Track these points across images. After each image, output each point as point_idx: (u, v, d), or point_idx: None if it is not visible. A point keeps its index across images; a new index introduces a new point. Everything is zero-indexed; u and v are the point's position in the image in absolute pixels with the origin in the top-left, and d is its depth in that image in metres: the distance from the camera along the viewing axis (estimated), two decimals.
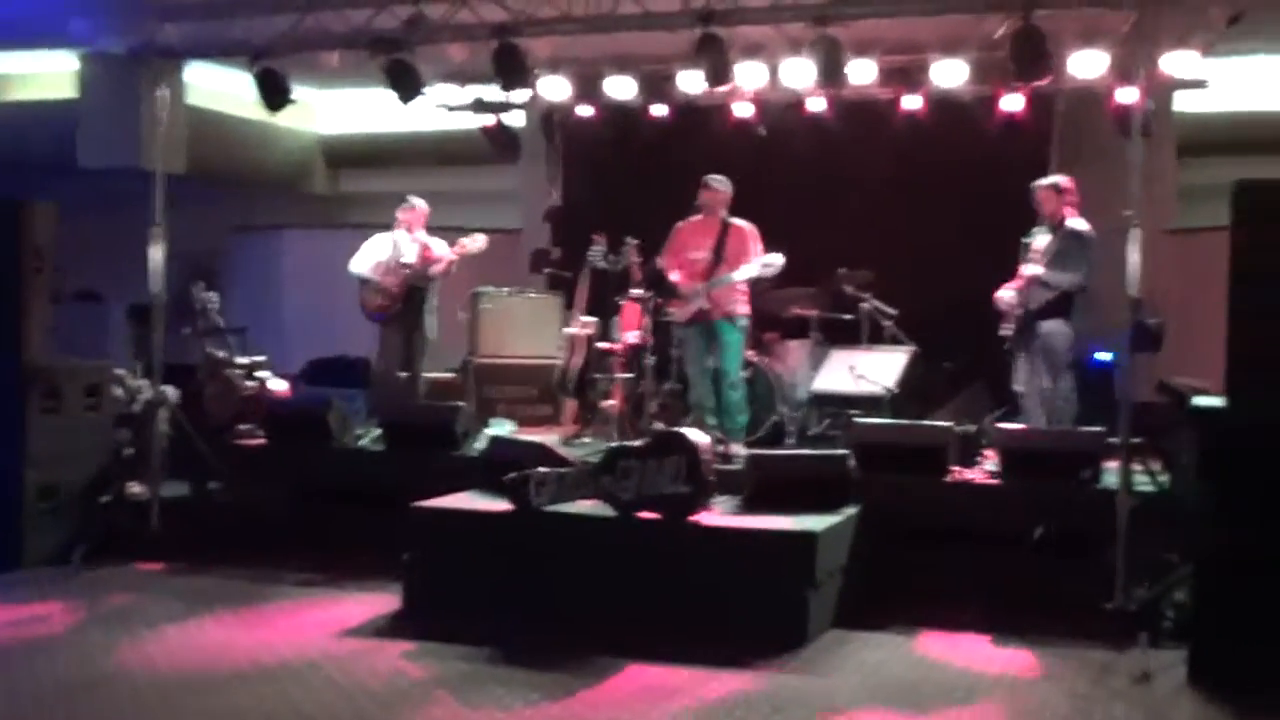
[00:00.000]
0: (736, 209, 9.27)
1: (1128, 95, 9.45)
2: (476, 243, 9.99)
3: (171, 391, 9.34)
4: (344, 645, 6.52)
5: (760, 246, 8.98)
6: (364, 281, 10.04)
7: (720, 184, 9.14)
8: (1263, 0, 8.69)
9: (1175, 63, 9.48)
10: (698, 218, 9.22)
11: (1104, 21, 9.01)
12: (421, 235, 10.18)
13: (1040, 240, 8.55)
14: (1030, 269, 8.44)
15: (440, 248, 10.12)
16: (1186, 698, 5.81)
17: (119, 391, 9.30)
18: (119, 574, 8.13)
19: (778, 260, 8.86)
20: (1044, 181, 8.68)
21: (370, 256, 10.09)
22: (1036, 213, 8.63)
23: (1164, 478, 7.39)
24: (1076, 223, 8.55)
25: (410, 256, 10.04)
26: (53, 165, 12.62)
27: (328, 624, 6.90)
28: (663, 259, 9.29)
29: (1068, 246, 8.46)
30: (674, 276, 9.20)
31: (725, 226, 9.10)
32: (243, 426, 9.62)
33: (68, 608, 7.25)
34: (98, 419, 8.93)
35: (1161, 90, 10.44)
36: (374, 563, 7.72)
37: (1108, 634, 6.54)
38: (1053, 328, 8.44)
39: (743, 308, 9.14)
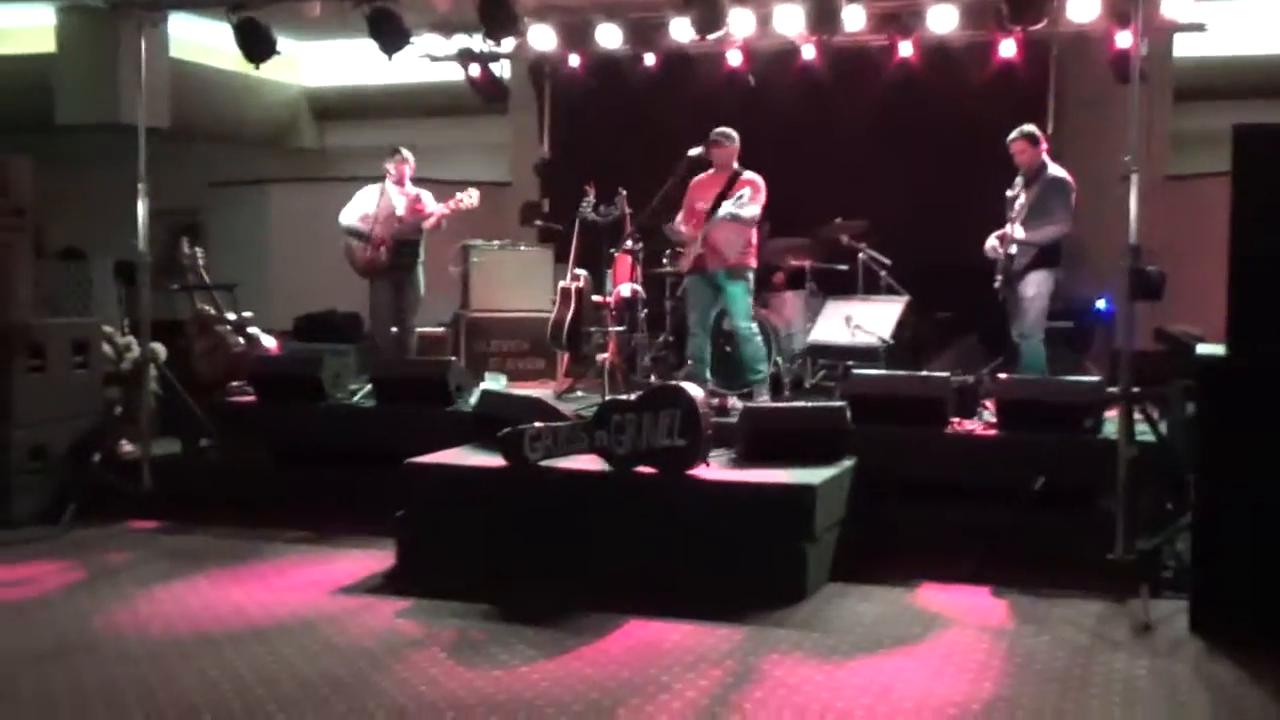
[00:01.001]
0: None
1: (1124, 40, 9.34)
2: (471, 198, 9.86)
3: (160, 349, 9.25)
4: (338, 603, 6.47)
5: (761, 196, 8.87)
6: (352, 234, 9.91)
7: (726, 138, 9.02)
8: None
9: (1174, 6, 9.38)
10: (710, 172, 9.12)
11: None
12: (410, 188, 10.06)
13: (1020, 192, 8.52)
14: (1011, 231, 8.40)
15: (430, 201, 10.00)
16: (1188, 647, 5.78)
17: (107, 349, 9.21)
18: (110, 533, 8.08)
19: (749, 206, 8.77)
20: (1017, 132, 8.61)
21: (358, 208, 9.96)
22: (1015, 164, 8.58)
23: (1162, 427, 7.34)
24: (1055, 170, 8.52)
25: (401, 209, 9.92)
26: (32, 122, 12.48)
27: (321, 582, 6.85)
28: (680, 217, 9.20)
29: (1048, 195, 8.45)
30: (683, 228, 9.13)
31: (733, 178, 9.01)
32: (233, 384, 9.53)
33: (58, 568, 7.20)
34: (86, 377, 8.88)
35: (1160, 34, 10.33)
36: (367, 520, 7.67)
37: (1108, 585, 6.51)
38: (1035, 282, 8.42)
39: (748, 258, 9.01)
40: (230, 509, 8.39)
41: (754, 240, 9.05)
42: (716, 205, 8.88)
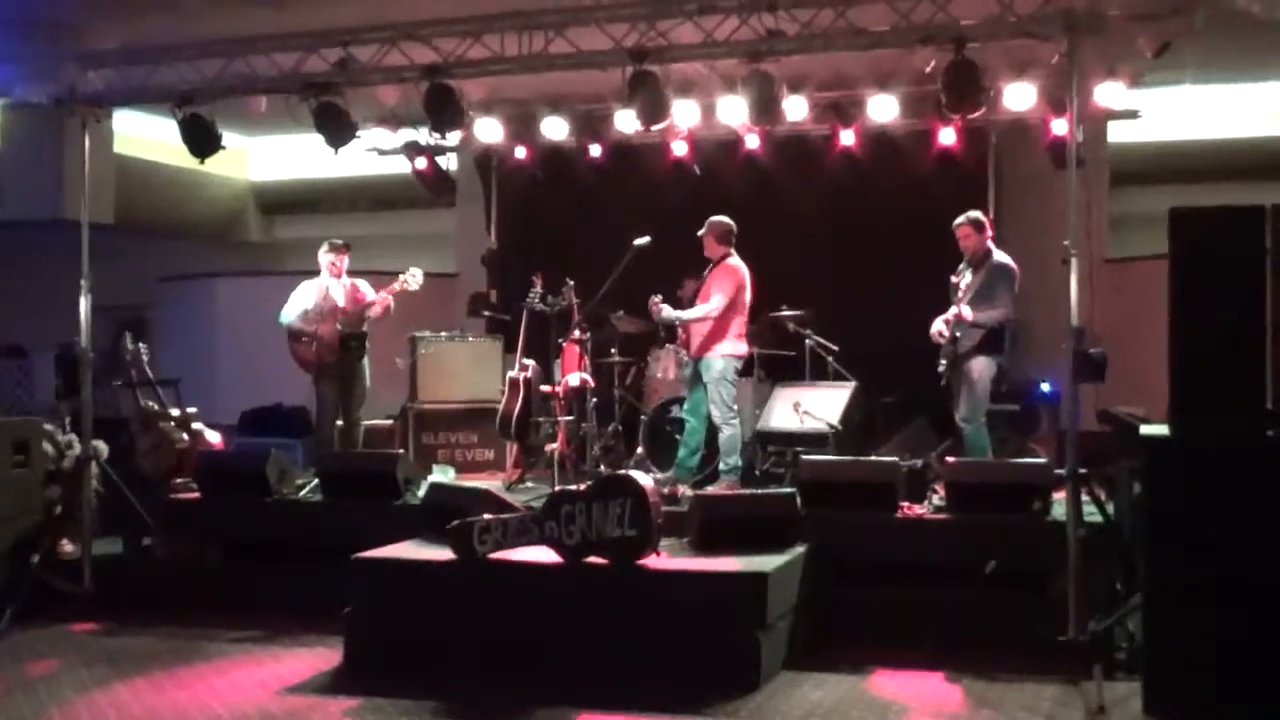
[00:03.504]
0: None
1: (1060, 127, 9.51)
2: (415, 279, 9.81)
3: (102, 446, 9.12)
4: (284, 704, 6.33)
5: (729, 286, 8.95)
6: (294, 333, 9.82)
7: (705, 227, 9.14)
8: (1187, 31, 8.77)
9: (1108, 94, 9.58)
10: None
11: (1034, 53, 9.03)
12: (347, 279, 10.00)
13: (965, 277, 8.61)
14: (959, 311, 8.48)
15: (368, 289, 9.95)
16: None
17: (48, 447, 9.07)
18: (49, 635, 7.88)
19: (703, 310, 8.95)
20: (963, 218, 8.72)
21: (298, 305, 9.88)
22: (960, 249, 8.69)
23: (1110, 508, 7.37)
24: (1000, 256, 8.63)
25: (342, 300, 9.86)
26: None
27: (267, 682, 6.71)
28: None
29: (993, 280, 8.54)
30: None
31: (716, 264, 9.12)
32: (177, 480, 9.40)
33: None
34: (26, 476, 8.76)
35: (1095, 121, 10.54)
36: (314, 617, 7.54)
37: (1062, 667, 6.49)
38: (978, 367, 8.47)
39: (719, 349, 8.99)
40: (174, 608, 8.23)
41: (734, 327, 9.04)
42: (695, 294, 9.14)
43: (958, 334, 8.49)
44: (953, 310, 8.55)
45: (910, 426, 10.00)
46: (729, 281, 8.98)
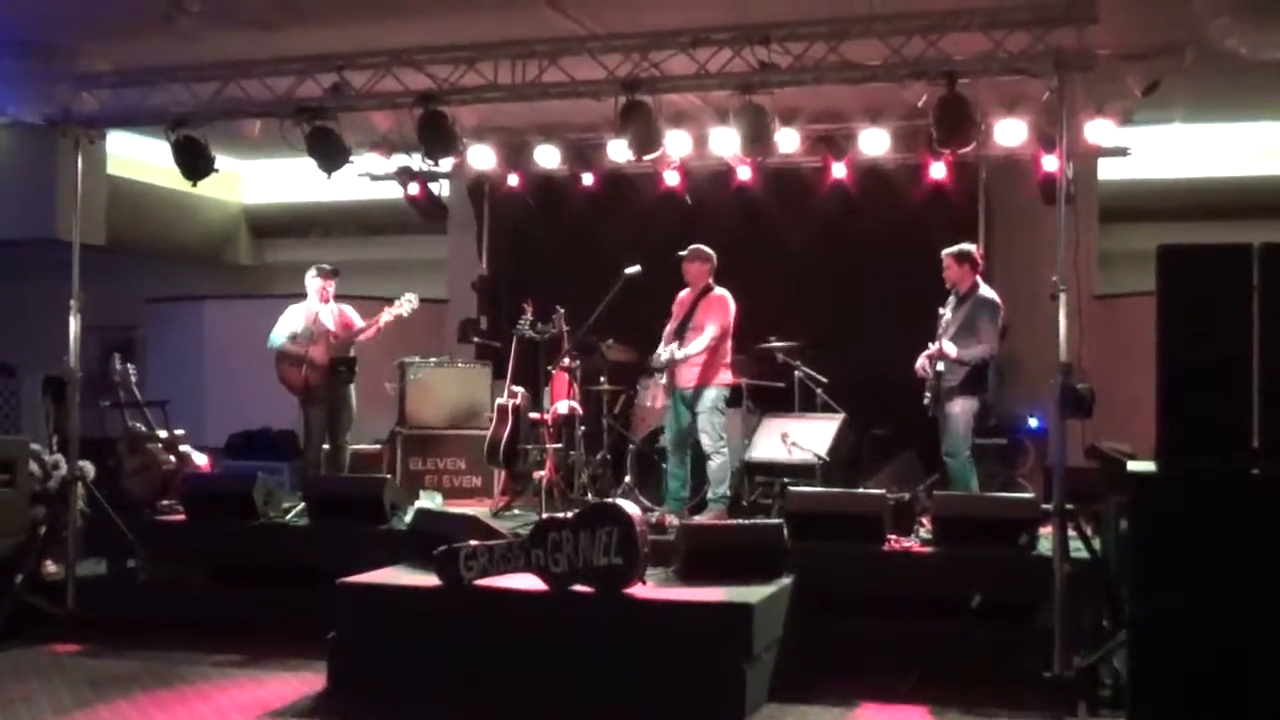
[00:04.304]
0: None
1: (1051, 163, 9.56)
2: (410, 303, 9.82)
3: (88, 467, 9.08)
4: None
5: (723, 315, 8.98)
6: (284, 357, 9.81)
7: (691, 255, 9.14)
8: (1176, 69, 8.84)
9: (1098, 131, 9.64)
10: (688, 289, 9.24)
11: (1025, 89, 9.10)
12: (334, 304, 10.00)
13: (951, 310, 8.63)
14: (940, 346, 8.50)
15: (355, 316, 9.96)
16: None
17: (34, 467, 9.04)
18: (31, 656, 7.83)
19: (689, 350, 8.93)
20: (950, 250, 8.75)
21: (287, 329, 9.87)
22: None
23: (1096, 543, 7.37)
24: (985, 291, 8.65)
25: (332, 325, 9.86)
26: None
27: (249, 706, 6.67)
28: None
29: (977, 315, 8.56)
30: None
31: (700, 295, 9.11)
32: (163, 502, 9.37)
33: None
34: (11, 495, 8.73)
35: (1085, 158, 10.60)
36: (298, 642, 7.51)
37: (1047, 703, 6.48)
38: (960, 405, 8.48)
39: (709, 378, 8.99)
40: (157, 631, 8.19)
41: (725, 356, 9.06)
42: (684, 322, 9.03)
43: (940, 368, 8.50)
44: (934, 345, 8.56)
45: (898, 459, 10.02)
46: (723, 311, 9.01)
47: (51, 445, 9.60)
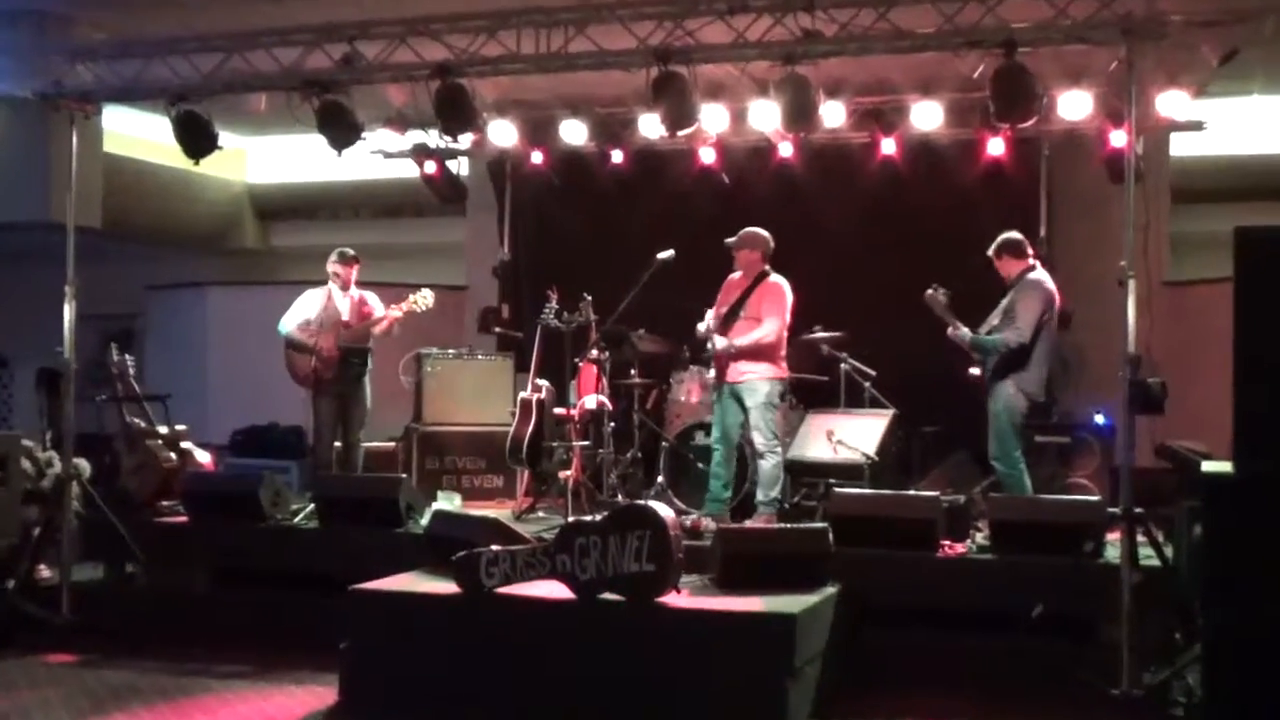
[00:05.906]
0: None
1: (1119, 138, 9.50)
2: (426, 300, 9.87)
3: (84, 465, 9.16)
4: None
5: (781, 305, 8.99)
6: (293, 344, 9.88)
7: (741, 242, 9.14)
8: (1255, 38, 8.78)
9: (1169, 104, 9.57)
10: (739, 273, 9.23)
11: (1090, 59, 9.07)
12: (355, 291, 10.06)
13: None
14: (955, 334, 8.56)
15: (376, 303, 10.01)
16: None
17: (26, 465, 9.11)
18: (23, 666, 7.88)
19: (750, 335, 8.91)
20: (990, 249, 8.76)
21: (299, 315, 9.93)
22: None
23: (1168, 550, 7.33)
24: (1032, 275, 8.62)
25: (347, 314, 9.91)
26: None
27: None
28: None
29: (1016, 299, 8.53)
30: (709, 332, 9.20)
31: (755, 282, 9.10)
32: (164, 503, 9.44)
33: None
34: (3, 495, 8.78)
35: (1156, 133, 10.53)
36: (308, 652, 7.55)
37: None
38: (1000, 403, 8.47)
39: (763, 371, 8.98)
40: (158, 640, 8.24)
41: (780, 348, 9.07)
42: (734, 310, 9.01)
43: (984, 361, 8.50)
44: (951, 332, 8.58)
45: (951, 459, 9.99)
46: (781, 301, 9.00)
47: (45, 441, 9.68)
